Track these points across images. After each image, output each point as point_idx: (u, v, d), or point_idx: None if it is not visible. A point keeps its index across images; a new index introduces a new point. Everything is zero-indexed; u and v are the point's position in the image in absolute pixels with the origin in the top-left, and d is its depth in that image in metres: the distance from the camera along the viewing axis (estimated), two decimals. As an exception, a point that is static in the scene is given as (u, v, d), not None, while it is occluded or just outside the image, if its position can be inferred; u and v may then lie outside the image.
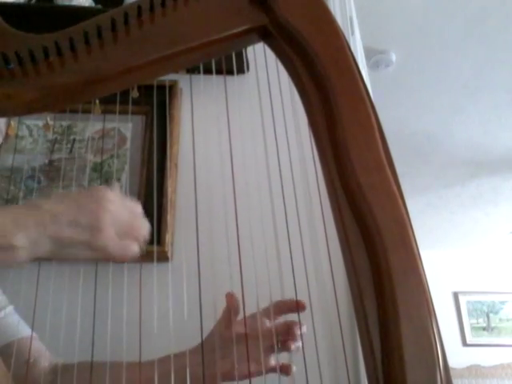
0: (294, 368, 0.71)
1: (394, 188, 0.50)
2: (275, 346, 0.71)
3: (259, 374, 0.71)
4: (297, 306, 0.69)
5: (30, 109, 0.53)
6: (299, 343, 0.71)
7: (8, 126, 0.78)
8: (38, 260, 0.52)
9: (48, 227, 0.50)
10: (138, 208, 0.58)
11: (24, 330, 0.78)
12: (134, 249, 0.56)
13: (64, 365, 0.75)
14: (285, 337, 0.72)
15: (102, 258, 0.55)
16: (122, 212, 0.55)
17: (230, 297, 0.75)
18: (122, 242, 0.54)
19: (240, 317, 0.74)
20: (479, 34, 2.35)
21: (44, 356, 0.75)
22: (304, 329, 0.71)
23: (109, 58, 0.53)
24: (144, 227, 0.58)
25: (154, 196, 1.15)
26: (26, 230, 0.49)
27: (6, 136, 0.79)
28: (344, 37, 0.57)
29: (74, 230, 0.51)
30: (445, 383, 0.43)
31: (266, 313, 0.73)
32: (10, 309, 0.81)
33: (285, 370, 0.71)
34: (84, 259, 0.54)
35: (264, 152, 0.70)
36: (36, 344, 0.76)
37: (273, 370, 0.72)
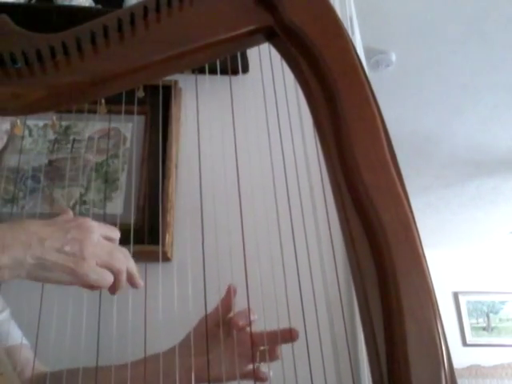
0: (271, 373, 0.71)
1: (399, 188, 0.50)
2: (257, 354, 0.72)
3: (233, 378, 0.71)
4: (290, 336, 0.70)
5: (37, 108, 0.53)
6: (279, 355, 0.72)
7: (14, 125, 0.78)
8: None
9: (34, 249, 0.51)
10: (116, 233, 0.60)
11: (15, 338, 0.78)
12: (110, 280, 0.57)
13: (52, 373, 0.75)
14: (271, 345, 0.72)
15: (80, 285, 0.56)
16: (103, 245, 0.57)
17: (231, 291, 0.75)
18: (101, 272, 0.56)
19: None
20: (479, 34, 2.35)
21: (30, 366, 0.75)
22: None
23: (115, 57, 0.54)
24: (121, 261, 0.59)
25: (154, 196, 1.15)
26: (12, 250, 0.50)
27: (12, 135, 0.79)
28: (349, 37, 0.57)
29: (59, 255, 0.53)
30: (449, 382, 0.43)
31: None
32: (5, 314, 0.81)
33: (260, 377, 0.71)
34: (64, 284, 0.55)
35: (268, 152, 0.70)
36: (25, 353, 0.76)
37: (248, 376, 0.72)
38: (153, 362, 0.71)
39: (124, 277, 0.59)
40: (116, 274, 0.57)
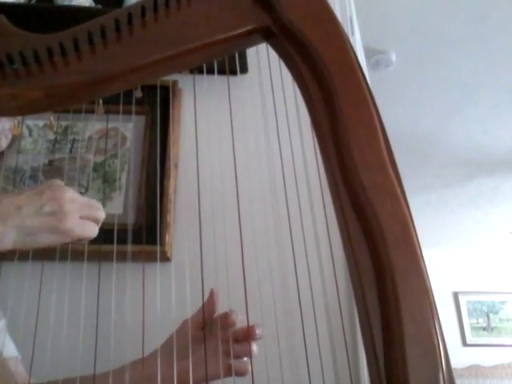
0: (249, 368, 0.71)
1: (397, 188, 0.50)
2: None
3: (216, 376, 0.70)
4: (248, 334, 0.70)
5: (34, 108, 0.53)
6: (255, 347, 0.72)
7: (12, 124, 0.78)
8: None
9: (13, 219, 0.52)
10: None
11: (9, 350, 0.76)
12: (94, 229, 0.60)
13: (48, 382, 0.74)
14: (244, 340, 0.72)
15: (68, 241, 0.57)
16: (79, 197, 0.59)
17: (214, 296, 0.74)
18: (85, 223, 0.58)
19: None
20: (479, 34, 2.35)
21: (22, 378, 0.73)
22: (260, 331, 0.71)
23: (113, 58, 0.53)
24: (100, 208, 0.61)
25: (154, 196, 1.15)
26: None
27: (12, 137, 0.79)
28: (347, 37, 0.57)
29: (40, 218, 0.54)
30: (447, 383, 0.43)
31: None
32: (1, 324, 0.80)
33: (242, 371, 0.71)
34: (50, 244, 0.56)
35: (266, 152, 0.70)
36: (18, 367, 0.74)
37: (229, 372, 0.71)
38: (136, 368, 0.69)
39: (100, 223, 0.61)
40: (99, 223, 0.60)
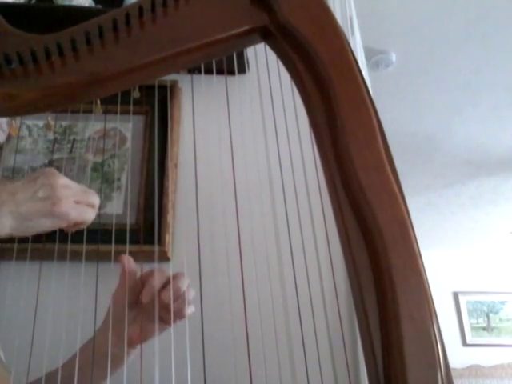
0: (192, 309, 0.71)
1: (395, 188, 0.50)
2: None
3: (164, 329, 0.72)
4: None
5: (32, 109, 0.53)
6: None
7: (10, 125, 0.78)
8: (40, 258, 0.52)
9: (8, 204, 0.53)
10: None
11: None
12: (91, 214, 0.61)
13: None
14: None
15: (65, 226, 0.59)
16: (72, 183, 0.60)
17: (125, 260, 0.73)
18: (80, 208, 0.59)
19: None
20: (479, 34, 2.36)
21: None
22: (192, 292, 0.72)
23: (110, 58, 0.53)
24: (95, 194, 0.62)
25: (154, 196, 1.15)
26: None
27: (9, 136, 0.80)
28: (345, 37, 0.57)
29: (34, 203, 0.55)
30: (445, 382, 0.43)
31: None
32: None
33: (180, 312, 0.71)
34: (47, 229, 0.57)
35: (265, 152, 0.70)
36: None
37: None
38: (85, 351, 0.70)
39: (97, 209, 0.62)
40: (94, 208, 0.61)
